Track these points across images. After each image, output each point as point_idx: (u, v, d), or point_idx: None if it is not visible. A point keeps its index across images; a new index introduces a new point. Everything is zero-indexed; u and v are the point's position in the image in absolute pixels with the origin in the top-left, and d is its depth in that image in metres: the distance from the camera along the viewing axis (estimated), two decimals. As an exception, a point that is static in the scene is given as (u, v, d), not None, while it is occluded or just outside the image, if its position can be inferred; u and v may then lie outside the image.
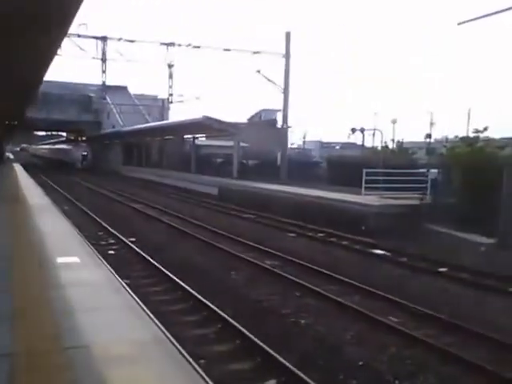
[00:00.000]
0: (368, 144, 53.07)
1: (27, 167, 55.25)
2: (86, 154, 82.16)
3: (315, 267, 14.18)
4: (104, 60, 76.95)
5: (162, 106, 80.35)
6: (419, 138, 55.05)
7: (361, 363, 8.29)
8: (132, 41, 72.89)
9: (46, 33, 11.80)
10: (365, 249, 17.52)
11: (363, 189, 23.16)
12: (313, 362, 8.34)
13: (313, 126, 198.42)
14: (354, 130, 48.35)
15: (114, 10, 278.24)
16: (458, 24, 20.70)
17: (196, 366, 5.40)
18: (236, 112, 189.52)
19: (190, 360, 5.50)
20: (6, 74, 17.85)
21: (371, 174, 23.53)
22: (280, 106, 38.50)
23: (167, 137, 55.04)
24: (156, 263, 14.11)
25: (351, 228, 19.87)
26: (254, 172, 40.59)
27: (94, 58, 67.87)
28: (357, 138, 55.66)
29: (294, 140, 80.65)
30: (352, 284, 12.67)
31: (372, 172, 23.67)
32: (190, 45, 51.10)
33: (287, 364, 7.78)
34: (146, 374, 5.01)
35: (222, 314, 10.04)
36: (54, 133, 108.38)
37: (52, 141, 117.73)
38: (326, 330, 9.71)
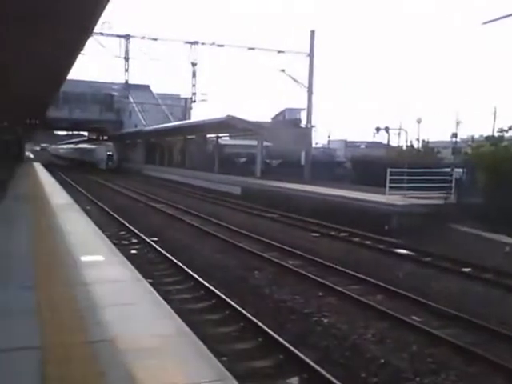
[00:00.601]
0: (393, 143, 53.00)
1: (48, 167, 55.85)
2: (111, 153, 76.76)
3: (338, 267, 14.31)
4: (127, 59, 77.48)
5: (185, 105, 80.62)
6: (445, 137, 54.73)
7: (382, 361, 8.44)
8: (155, 39, 73.29)
9: (70, 32, 11.98)
10: (388, 248, 17.60)
11: (387, 188, 23.16)
12: (334, 359, 8.50)
13: (338, 125, 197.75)
14: (378, 130, 48.36)
15: (137, 9, 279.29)
16: (483, 23, 20.70)
17: (214, 358, 5.60)
18: (260, 111, 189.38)
19: (208, 351, 5.70)
20: (30, 73, 18.14)
21: (395, 174, 23.54)
22: (304, 105, 38.53)
23: (190, 136, 55.19)
24: (178, 262, 14.31)
25: (374, 228, 19.92)
26: (278, 171, 40.67)
27: (117, 56, 68.32)
28: (382, 137, 55.64)
29: (319, 139, 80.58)
30: (375, 284, 12.79)
31: (396, 171, 23.66)
32: (213, 43, 51.22)
33: (309, 362, 7.94)
34: (170, 366, 5.21)
35: (245, 312, 10.23)
36: (75, 132, 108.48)
37: (73, 140, 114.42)
38: (347, 329, 9.85)
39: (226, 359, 8.13)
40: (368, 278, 13.16)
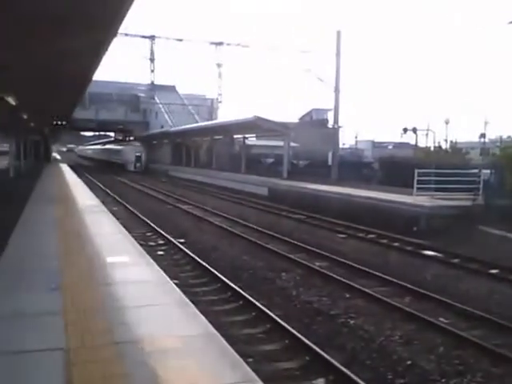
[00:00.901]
0: (421, 144, 52.64)
1: (75, 168, 56.37)
2: (139, 154, 74.01)
3: (365, 268, 14.31)
4: (152, 59, 78.08)
5: (211, 106, 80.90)
6: (474, 137, 54.26)
7: (409, 363, 8.46)
8: (180, 40, 73.75)
9: (95, 33, 12.12)
10: (416, 250, 17.50)
11: (415, 189, 23.06)
12: (361, 361, 8.54)
13: (365, 125, 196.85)
14: (405, 130, 47.99)
15: (162, 10, 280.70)
16: (509, 23, 20.55)
17: (240, 359, 5.67)
18: (287, 112, 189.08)
19: (234, 352, 5.77)
20: (56, 73, 18.33)
21: (423, 175, 23.43)
22: (331, 105, 38.44)
23: (216, 137, 55.32)
24: (205, 263, 14.42)
25: (402, 229, 19.87)
26: (305, 172, 40.59)
27: (144, 57, 68.96)
28: (410, 138, 55.28)
29: (346, 140, 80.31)
30: (402, 285, 12.78)
31: (424, 172, 23.55)
32: (239, 44, 51.40)
33: (335, 363, 7.99)
34: (195, 367, 5.30)
35: (271, 314, 10.30)
36: (101, 133, 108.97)
37: (100, 141, 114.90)
38: (374, 331, 9.89)
39: (252, 360, 8.22)
40: (396, 280, 13.15)
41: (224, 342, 6.07)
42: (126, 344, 5.88)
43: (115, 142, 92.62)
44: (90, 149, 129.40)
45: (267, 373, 7.78)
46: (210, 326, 6.57)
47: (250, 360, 8.14)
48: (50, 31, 11.80)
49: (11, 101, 21.67)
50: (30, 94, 23.09)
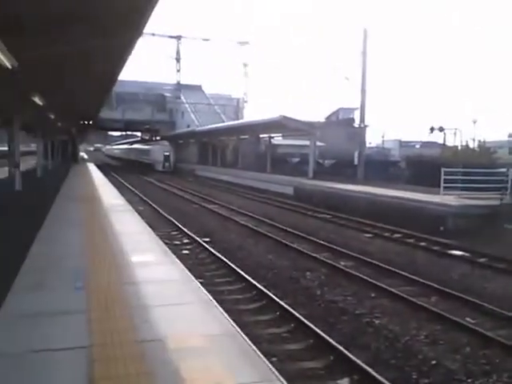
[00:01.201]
0: (449, 143, 52.16)
1: (102, 167, 56.81)
2: (167, 154, 72.60)
3: (391, 268, 14.23)
4: (178, 59, 78.49)
5: (237, 105, 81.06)
6: (502, 136, 53.55)
7: (434, 362, 8.40)
8: (207, 39, 74.13)
9: (121, 32, 12.19)
10: (443, 250, 17.32)
11: (442, 188, 22.88)
12: (385, 361, 8.50)
13: (392, 124, 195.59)
14: (432, 129, 47.54)
15: (188, 10, 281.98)
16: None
17: (264, 358, 5.68)
18: (313, 111, 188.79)
19: (258, 352, 5.79)
20: (82, 73, 18.48)
21: (450, 174, 23.24)
22: (358, 105, 38.26)
23: (242, 136, 55.35)
24: (230, 263, 14.46)
25: (429, 229, 19.69)
26: (331, 172, 40.49)
27: (170, 57, 69.40)
28: (437, 137, 54.83)
29: (373, 139, 79.88)
30: (429, 285, 12.67)
31: (451, 171, 23.36)
32: (264, 44, 51.39)
33: (360, 363, 7.97)
34: (217, 366, 5.33)
35: (296, 313, 10.29)
36: (128, 133, 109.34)
37: (127, 140, 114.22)
38: (399, 330, 9.82)
39: (276, 360, 8.23)
40: (422, 280, 13.04)
41: (247, 341, 6.08)
42: (149, 342, 5.92)
43: (142, 141, 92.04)
44: (118, 148, 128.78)
45: (291, 372, 7.78)
46: (233, 325, 6.59)
47: (274, 359, 8.16)
48: (75, 31, 11.84)
49: (38, 101, 21.84)
50: (57, 94, 23.26)
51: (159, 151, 73.96)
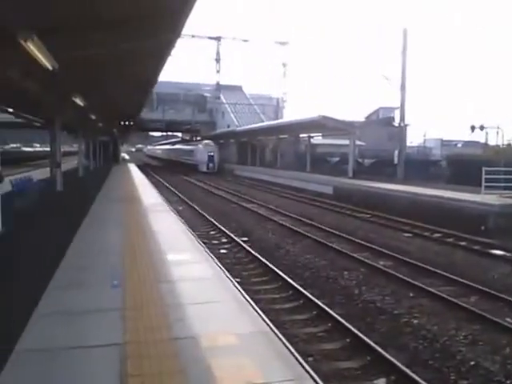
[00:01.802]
0: (491, 142, 51.40)
1: (142, 168, 57.29)
2: (212, 154, 68.20)
3: (430, 268, 14.01)
4: (218, 60, 78.90)
5: (277, 105, 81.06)
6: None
7: (473, 363, 8.23)
8: (246, 40, 74.37)
9: (160, 33, 12.29)
10: (484, 249, 17.00)
11: (483, 188, 22.50)
12: (423, 361, 8.36)
13: (434, 124, 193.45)
14: (473, 128, 46.80)
15: (228, 11, 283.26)
16: None
17: (299, 357, 5.62)
18: (353, 110, 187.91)
19: (293, 351, 5.73)
20: (122, 74, 18.65)
21: (491, 173, 22.84)
22: (399, 104, 37.86)
23: (282, 136, 55.30)
24: (267, 262, 14.39)
25: (470, 228, 19.35)
26: (370, 171, 40.23)
27: (210, 58, 69.88)
28: (480, 136, 54.17)
29: (414, 138, 79.07)
30: (469, 285, 12.45)
31: (492, 171, 22.95)
32: (304, 44, 51.31)
33: (397, 363, 7.85)
34: (249, 364, 5.29)
35: (332, 312, 10.20)
36: (169, 133, 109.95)
37: (168, 141, 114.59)
38: (438, 331, 9.66)
39: (312, 359, 8.17)
40: (462, 280, 12.82)
41: (282, 340, 6.02)
42: (182, 340, 5.92)
43: (184, 141, 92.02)
44: (159, 149, 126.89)
45: (327, 372, 7.74)
46: (268, 323, 6.54)
47: (310, 359, 8.10)
48: (115, 33, 12.07)
49: (79, 101, 22.11)
50: (97, 95, 23.55)
51: (203, 151, 69.35)
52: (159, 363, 5.32)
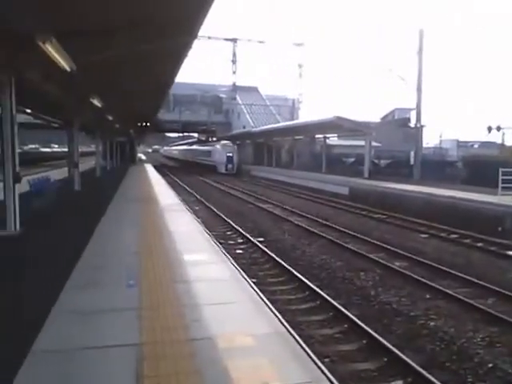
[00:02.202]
0: (508, 142, 50.97)
1: (159, 168, 57.35)
2: (231, 155, 65.47)
3: (447, 269, 13.88)
4: (234, 61, 79.06)
5: (292, 106, 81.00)
6: None
7: (490, 365, 8.13)
8: (262, 41, 74.45)
9: (176, 35, 12.27)
10: (501, 251, 16.78)
11: (500, 189, 22.28)
12: (440, 363, 8.27)
13: (450, 124, 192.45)
14: (490, 129, 46.39)
15: (244, 13, 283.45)
16: None
17: (316, 359, 5.56)
18: (368, 111, 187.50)
19: (309, 352, 5.67)
20: (140, 75, 18.68)
21: (508, 174, 22.60)
22: (414, 105, 37.63)
23: (297, 137, 55.20)
24: (283, 262, 14.34)
25: (486, 229, 19.16)
26: (386, 172, 40.05)
27: (226, 59, 70.10)
28: (497, 137, 53.79)
29: (430, 139, 78.71)
30: (486, 286, 12.31)
31: (509, 172, 22.71)
32: (320, 45, 51.25)
33: (414, 365, 7.77)
34: (265, 366, 5.23)
35: (349, 314, 10.13)
36: (185, 134, 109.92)
37: (185, 141, 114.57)
38: (455, 333, 9.56)
39: (329, 360, 8.11)
40: (479, 281, 12.69)
41: (298, 341, 5.96)
42: (199, 341, 5.86)
43: (199, 142, 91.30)
44: (176, 149, 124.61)
45: (344, 373, 7.68)
46: (284, 324, 6.48)
47: (327, 360, 8.05)
48: (132, 35, 12.03)
49: (97, 103, 22.16)
50: (115, 96, 23.58)
51: (222, 152, 66.61)
52: (176, 364, 5.27)
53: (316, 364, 5.41)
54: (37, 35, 9.78)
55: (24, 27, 10.16)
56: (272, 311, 6.98)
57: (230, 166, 64.82)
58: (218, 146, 68.35)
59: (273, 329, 6.30)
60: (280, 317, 6.79)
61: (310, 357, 5.57)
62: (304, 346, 5.86)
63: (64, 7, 9.86)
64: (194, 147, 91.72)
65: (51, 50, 10.44)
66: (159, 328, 6.22)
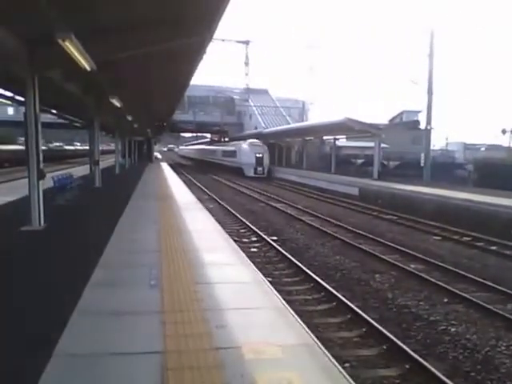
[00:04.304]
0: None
1: (174, 167, 57.10)
2: (260, 155, 55.14)
3: (463, 272, 13.43)
4: (247, 63, 78.96)
5: (303, 108, 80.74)
6: None
7: (518, 377, 7.64)
8: (274, 44, 73.92)
9: (192, 37, 12.32)
10: (517, 255, 16.31)
11: (514, 191, 21.76)
12: (465, 373, 7.81)
13: (456, 127, 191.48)
14: (504, 132, 45.80)
15: (257, 16, 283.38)
16: None
17: (343, 371, 5.14)
18: (376, 113, 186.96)
19: (337, 365, 5.25)
20: (158, 76, 18.59)
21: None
22: (421, 107, 37.19)
23: (307, 138, 54.76)
24: (298, 262, 13.94)
25: (500, 232, 18.65)
26: (395, 173, 39.66)
27: (239, 62, 69.91)
28: (502, 140, 53.31)
29: (436, 142, 78.25)
30: (504, 291, 11.83)
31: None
32: (330, 48, 50.92)
33: (437, 373, 7.35)
34: (295, 380, 4.84)
35: (367, 317, 9.68)
36: (198, 134, 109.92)
37: (204, 140, 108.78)
38: (477, 340, 9.09)
39: (349, 365, 7.68)
40: (496, 285, 12.21)
41: (325, 352, 5.52)
42: (224, 350, 5.44)
43: (218, 141, 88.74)
44: (194, 148, 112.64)
45: (365, 381, 7.25)
46: (309, 333, 6.04)
47: (347, 365, 7.63)
48: (151, 35, 12.03)
49: (116, 102, 21.98)
50: (133, 97, 23.50)
51: (249, 152, 55.86)
52: (201, 376, 4.86)
53: (339, 377, 5.01)
54: (58, 34, 9.56)
55: (45, 26, 10.01)
56: (294, 318, 6.55)
57: (259, 168, 55.06)
58: (244, 145, 57.78)
59: (297, 339, 5.88)
60: (302, 324, 6.33)
61: (337, 371, 5.13)
62: (330, 358, 5.39)
63: (84, 7, 9.94)
64: (216, 146, 79.26)
65: (71, 49, 10.23)
66: (183, 334, 5.81)
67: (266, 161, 55.74)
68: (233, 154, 61.04)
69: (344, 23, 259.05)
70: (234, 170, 58.08)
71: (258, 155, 54.98)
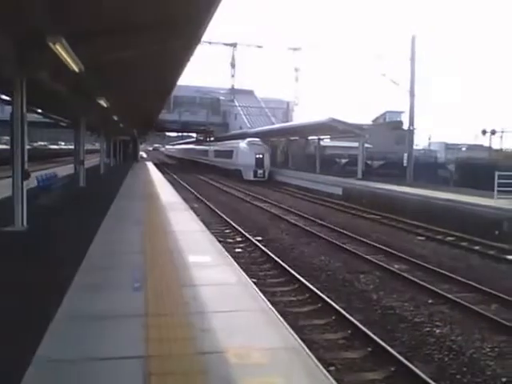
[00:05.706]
0: (495, 146, 50.72)
1: (159, 166, 56.79)
2: (261, 156, 49.07)
3: (447, 272, 13.33)
4: (233, 65, 78.95)
5: (287, 108, 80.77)
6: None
7: (504, 380, 7.54)
8: (260, 46, 74.23)
9: (181, 40, 12.26)
10: (499, 255, 16.20)
11: (495, 192, 21.65)
12: (451, 375, 7.69)
13: (437, 127, 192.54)
14: (484, 132, 46.04)
15: (243, 18, 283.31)
16: None
17: (328, 375, 5.03)
18: (359, 113, 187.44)
19: (322, 369, 5.11)
20: (144, 78, 18.46)
21: (504, 177, 21.96)
22: (404, 108, 37.24)
23: (292, 138, 54.66)
24: (282, 263, 13.80)
25: (483, 232, 18.57)
26: (379, 173, 39.66)
27: (225, 63, 70.03)
28: (483, 140, 53.55)
29: (419, 141, 78.52)
30: (487, 292, 11.72)
31: (505, 175, 22.07)
32: (315, 50, 50.93)
33: (423, 376, 7.22)
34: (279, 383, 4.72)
35: (352, 318, 9.57)
36: (183, 134, 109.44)
37: (194, 139, 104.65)
38: (462, 341, 8.97)
39: (334, 369, 7.53)
40: (480, 286, 12.10)
41: (310, 356, 5.36)
42: (208, 355, 5.24)
43: (216, 140, 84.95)
44: (183, 148, 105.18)
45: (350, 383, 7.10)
46: (294, 336, 5.87)
47: (332, 368, 7.47)
48: (138, 38, 11.98)
49: (103, 103, 21.80)
50: (120, 97, 23.38)
51: (248, 152, 49.67)
52: (185, 380, 4.71)
53: (324, 380, 4.87)
54: (47, 36, 9.58)
55: (35, 28, 10.05)
56: (280, 321, 6.39)
57: (260, 171, 48.93)
58: (243, 144, 51.39)
59: (283, 342, 5.70)
60: (288, 328, 6.16)
61: (323, 375, 4.98)
62: (315, 362, 5.23)
63: (74, 9, 9.80)
64: (207, 145, 73.45)
65: (61, 51, 10.22)
66: (167, 339, 5.61)
67: (267, 162, 49.85)
68: (229, 154, 54.41)
69: (329, 26, 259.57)
70: (229, 173, 52.68)
71: (258, 156, 48.96)
